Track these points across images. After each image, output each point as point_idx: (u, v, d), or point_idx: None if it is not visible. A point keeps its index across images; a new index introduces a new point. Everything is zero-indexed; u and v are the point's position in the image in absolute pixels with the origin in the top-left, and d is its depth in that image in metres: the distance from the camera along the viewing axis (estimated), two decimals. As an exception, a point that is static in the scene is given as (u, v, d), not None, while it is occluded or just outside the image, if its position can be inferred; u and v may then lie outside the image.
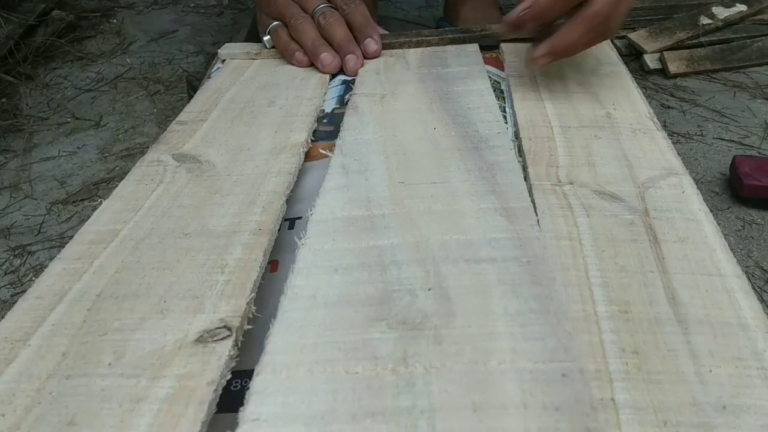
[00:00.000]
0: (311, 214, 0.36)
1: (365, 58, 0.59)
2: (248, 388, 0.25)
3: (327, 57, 0.57)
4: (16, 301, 0.30)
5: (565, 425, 0.22)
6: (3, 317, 0.29)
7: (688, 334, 0.27)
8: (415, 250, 0.32)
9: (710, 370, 0.25)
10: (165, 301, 0.29)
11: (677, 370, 0.25)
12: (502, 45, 0.59)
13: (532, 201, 0.36)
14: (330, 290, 0.30)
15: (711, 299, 0.29)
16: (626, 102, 0.48)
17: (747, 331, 0.27)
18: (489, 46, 0.61)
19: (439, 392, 0.24)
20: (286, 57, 0.61)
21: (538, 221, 0.34)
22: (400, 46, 0.61)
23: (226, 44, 0.64)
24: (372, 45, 0.59)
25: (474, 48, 0.59)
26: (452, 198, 0.37)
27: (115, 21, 1.26)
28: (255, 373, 0.26)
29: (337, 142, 0.44)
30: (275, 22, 0.61)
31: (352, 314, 0.28)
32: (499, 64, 0.58)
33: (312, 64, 0.59)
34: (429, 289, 0.29)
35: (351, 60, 0.58)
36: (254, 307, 0.29)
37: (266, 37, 0.62)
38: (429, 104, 0.49)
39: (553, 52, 0.48)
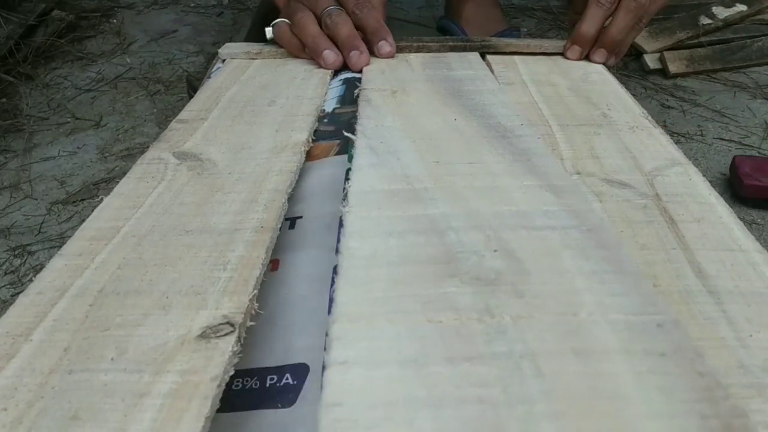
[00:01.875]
0: (349, 187, 0.34)
1: (378, 58, 0.58)
2: (327, 335, 0.23)
3: (330, 54, 0.56)
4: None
5: (675, 369, 0.21)
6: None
7: (722, 303, 0.27)
8: (468, 218, 0.31)
9: (750, 335, 0.25)
10: (167, 297, 0.29)
11: (718, 337, 0.25)
12: (488, 57, 0.60)
13: None
14: (388, 251, 0.28)
15: (737, 272, 0.29)
16: (619, 104, 0.49)
17: None
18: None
19: (534, 339, 0.23)
20: (291, 51, 0.60)
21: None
22: (401, 50, 0.61)
23: (227, 44, 0.64)
24: (386, 47, 0.58)
25: (475, 56, 0.60)
26: (492, 176, 0.35)
27: (115, 21, 1.26)
28: (330, 321, 0.24)
29: (358, 128, 0.42)
30: (281, 19, 0.61)
31: (419, 271, 0.27)
32: None
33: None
34: (495, 251, 0.28)
35: (355, 55, 0.56)
36: (257, 304, 0.29)
37: (267, 28, 0.61)
38: (443, 99, 0.48)
39: (607, 45, 0.58)
